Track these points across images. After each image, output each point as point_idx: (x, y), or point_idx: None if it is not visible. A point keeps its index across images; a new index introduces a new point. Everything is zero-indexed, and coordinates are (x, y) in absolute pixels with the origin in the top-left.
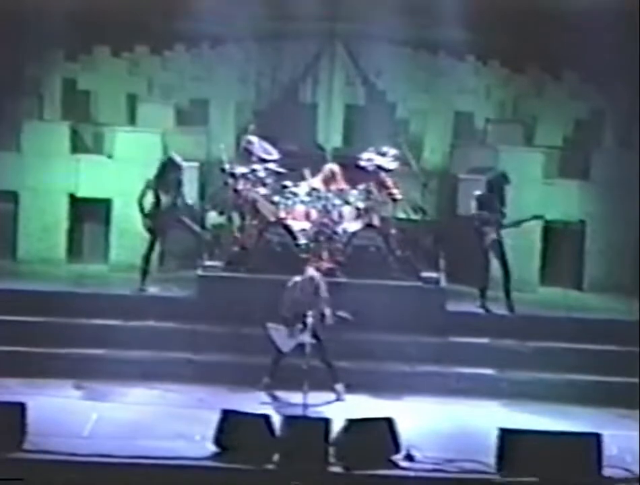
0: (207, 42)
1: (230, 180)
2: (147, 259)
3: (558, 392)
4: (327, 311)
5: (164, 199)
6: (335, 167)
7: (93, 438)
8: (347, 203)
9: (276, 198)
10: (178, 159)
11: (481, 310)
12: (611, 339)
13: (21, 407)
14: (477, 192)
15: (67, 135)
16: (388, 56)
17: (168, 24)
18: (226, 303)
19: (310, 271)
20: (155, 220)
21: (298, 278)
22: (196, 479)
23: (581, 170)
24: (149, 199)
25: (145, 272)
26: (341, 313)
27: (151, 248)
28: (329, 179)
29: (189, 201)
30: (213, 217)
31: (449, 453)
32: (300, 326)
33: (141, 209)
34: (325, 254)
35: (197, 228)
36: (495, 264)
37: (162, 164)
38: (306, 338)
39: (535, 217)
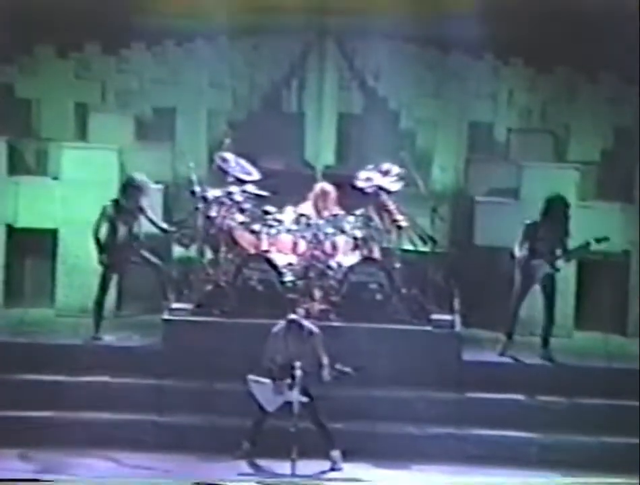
0: (172, 38)
1: (201, 205)
2: (101, 301)
3: (598, 458)
4: (325, 361)
5: (122, 230)
6: (328, 186)
7: None
8: (342, 231)
9: (257, 226)
10: (139, 179)
11: (505, 359)
12: None
13: None
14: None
15: (3, 153)
16: (389, 55)
17: (124, 18)
18: (196, 353)
19: (299, 314)
20: (113, 255)
21: (284, 323)
22: None
23: (624, 189)
24: (105, 230)
25: (99, 317)
26: (341, 367)
27: (106, 288)
28: (320, 201)
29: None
30: (180, 250)
31: None
32: (288, 381)
33: (97, 242)
34: (316, 294)
35: (160, 263)
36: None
37: (123, 187)
38: (295, 395)
39: (600, 240)
